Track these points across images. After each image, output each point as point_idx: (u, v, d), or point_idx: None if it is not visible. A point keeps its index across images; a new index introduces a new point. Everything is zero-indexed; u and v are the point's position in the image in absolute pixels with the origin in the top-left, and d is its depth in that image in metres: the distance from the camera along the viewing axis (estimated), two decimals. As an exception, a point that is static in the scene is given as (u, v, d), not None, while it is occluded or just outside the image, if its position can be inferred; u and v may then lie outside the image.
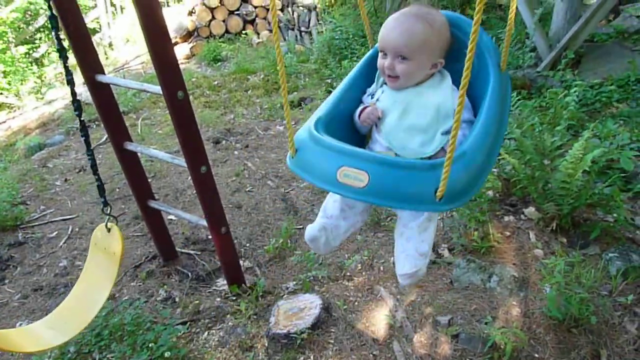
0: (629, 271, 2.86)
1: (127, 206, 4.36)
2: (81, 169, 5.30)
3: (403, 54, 1.67)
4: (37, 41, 11.45)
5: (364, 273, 3.19)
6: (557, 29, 5.57)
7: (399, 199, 1.41)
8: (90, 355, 2.74)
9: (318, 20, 9.25)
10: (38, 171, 5.36)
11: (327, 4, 9.16)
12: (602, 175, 3.44)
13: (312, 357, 2.61)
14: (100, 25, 11.15)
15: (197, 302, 3.09)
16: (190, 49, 9.97)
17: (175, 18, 10.07)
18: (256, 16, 10.43)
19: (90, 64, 2.65)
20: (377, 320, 2.81)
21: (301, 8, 9.82)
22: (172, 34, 8.83)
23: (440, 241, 3.36)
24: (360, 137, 1.83)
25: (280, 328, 2.72)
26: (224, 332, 2.84)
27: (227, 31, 10.35)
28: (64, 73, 2.40)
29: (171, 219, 3.97)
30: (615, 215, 3.20)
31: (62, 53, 2.36)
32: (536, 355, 2.49)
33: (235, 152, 5.24)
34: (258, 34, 10.29)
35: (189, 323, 2.94)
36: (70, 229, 4.12)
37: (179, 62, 2.45)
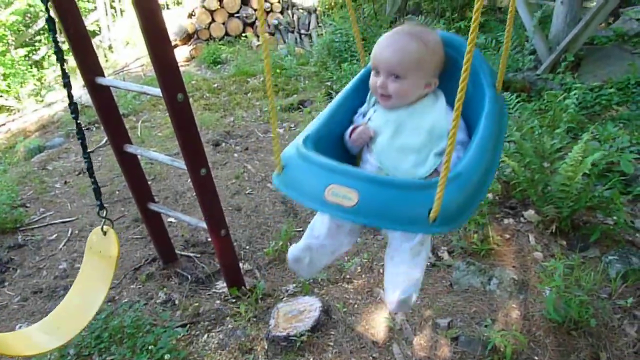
0: (629, 274, 2.86)
1: (126, 209, 4.36)
2: (81, 172, 5.29)
3: (396, 73, 1.63)
4: (36, 44, 11.45)
5: (363, 276, 3.19)
6: (556, 32, 5.58)
7: (390, 220, 1.35)
8: (90, 358, 2.74)
9: (318, 23, 9.26)
10: (38, 174, 5.35)
11: (327, 6, 9.18)
12: (602, 178, 3.44)
13: (311, 359, 2.60)
14: (100, 28, 11.16)
15: (197, 304, 3.09)
16: (190, 51, 9.98)
17: (175, 21, 10.08)
18: (256, 19, 10.43)
19: (90, 67, 2.65)
20: (377, 323, 2.81)
21: (301, 11, 9.83)
22: (172, 37, 8.82)
23: (440, 244, 3.36)
24: (350, 158, 1.78)
25: (279, 330, 2.71)
26: (224, 335, 2.84)
27: (226, 34, 10.37)
28: (68, 75, 2.40)
29: (171, 222, 3.96)
30: (615, 217, 3.21)
31: (59, 55, 2.35)
32: (536, 358, 2.49)
33: (235, 155, 5.24)
34: (258, 36, 10.30)
35: (188, 325, 2.93)
36: (69, 232, 4.11)
37: (179, 64, 2.45)
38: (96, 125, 6.50)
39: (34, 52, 11.21)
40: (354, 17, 2.02)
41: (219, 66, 8.94)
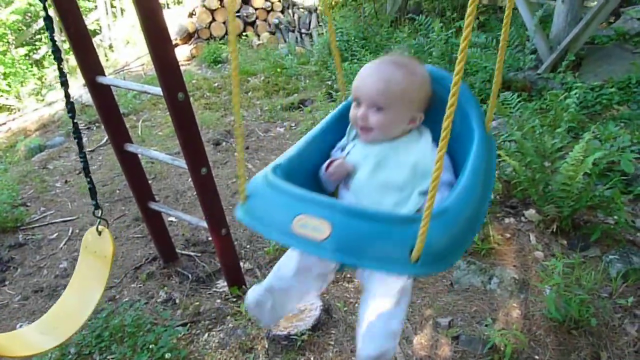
0: (629, 273, 2.86)
1: (127, 208, 4.36)
2: (81, 171, 5.29)
3: (379, 104, 1.52)
4: (37, 43, 11.45)
5: (364, 275, 3.19)
6: (557, 31, 5.58)
7: (366, 257, 1.20)
8: (91, 357, 2.74)
9: (318, 22, 9.26)
10: (38, 173, 5.35)
11: (327, 5, 9.17)
12: (603, 178, 3.44)
13: (312, 358, 2.60)
14: (100, 27, 11.16)
15: (198, 303, 3.09)
16: (191, 50, 9.98)
17: (175, 20, 10.07)
18: (256, 18, 10.43)
19: (91, 66, 2.65)
20: (378, 322, 2.80)
21: (302, 10, 9.83)
22: (172, 36, 8.83)
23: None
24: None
25: (280, 330, 2.71)
26: (225, 334, 2.84)
27: (227, 33, 10.36)
28: (65, 74, 2.40)
29: (171, 221, 3.97)
30: (615, 217, 3.21)
31: (56, 55, 2.35)
32: (536, 357, 2.49)
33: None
34: (258, 35, 10.30)
35: (189, 324, 2.94)
36: (70, 231, 4.11)
37: (179, 63, 2.45)
38: (97, 124, 6.50)
39: (35, 51, 11.21)
40: (333, 35, 1.87)
41: (220, 65, 8.94)
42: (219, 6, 10.13)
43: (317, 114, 5.88)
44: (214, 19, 10.20)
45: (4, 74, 9.68)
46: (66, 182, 5.10)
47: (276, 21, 10.28)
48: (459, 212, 1.31)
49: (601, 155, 3.20)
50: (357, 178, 1.55)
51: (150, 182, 3.52)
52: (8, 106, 9.20)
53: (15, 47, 10.68)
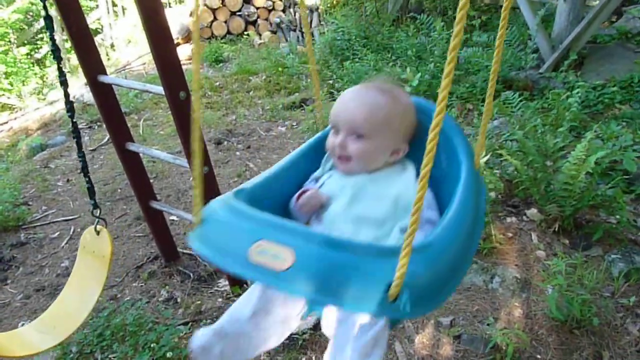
0: (632, 273, 2.86)
1: (128, 207, 4.36)
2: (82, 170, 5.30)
3: (359, 131, 1.39)
4: (38, 42, 11.46)
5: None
6: (559, 31, 5.57)
7: (333, 293, 1.02)
8: (92, 356, 2.74)
9: (320, 21, 9.26)
10: (40, 172, 5.36)
11: (329, 4, 9.17)
12: (605, 177, 3.44)
13: (314, 357, 2.60)
14: (102, 26, 11.17)
15: (199, 302, 3.09)
16: (192, 49, 9.97)
17: (176, 19, 10.07)
18: (258, 17, 10.44)
19: (93, 65, 2.65)
20: (379, 321, 2.80)
21: (303, 9, 9.82)
22: (173, 35, 8.84)
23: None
24: None
25: (282, 329, 2.71)
26: (226, 333, 2.84)
27: (228, 32, 10.36)
28: (65, 73, 2.40)
29: (173, 220, 3.96)
30: (618, 216, 3.20)
31: (55, 54, 2.36)
32: (538, 357, 2.49)
33: (237, 153, 5.24)
34: (260, 34, 10.30)
35: (190, 323, 2.93)
36: (72, 230, 4.11)
37: (181, 62, 2.45)
38: (98, 123, 6.50)
39: (36, 51, 11.22)
40: (311, 53, 1.71)
41: (221, 64, 8.93)
42: (221, 5, 10.14)
43: (318, 113, 5.87)
44: (215, 18, 10.21)
45: (6, 73, 9.70)
46: (68, 181, 5.10)
47: (277, 20, 10.28)
48: (444, 248, 1.16)
49: (603, 154, 3.19)
50: (331, 210, 1.39)
51: (151, 181, 3.52)
52: (10, 105, 9.21)
53: (17, 46, 10.69)
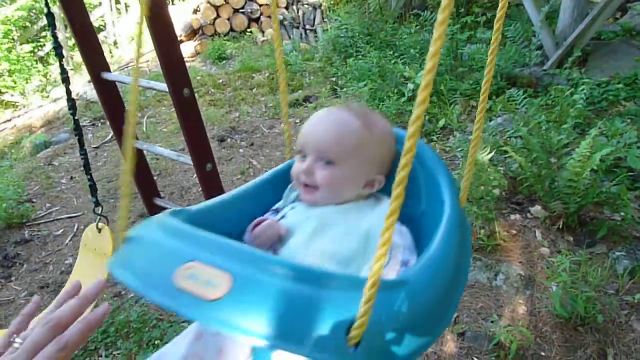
0: (636, 270, 2.85)
1: (132, 204, 4.37)
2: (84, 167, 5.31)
3: (328, 156, 1.22)
4: (42, 39, 11.46)
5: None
6: (563, 27, 5.55)
7: (275, 332, 0.78)
8: (97, 352, 2.75)
9: (323, 18, 9.24)
10: (44, 169, 5.37)
11: (332, 1, 9.15)
12: (609, 174, 3.43)
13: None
14: (105, 24, 11.17)
15: (203, 299, 3.09)
16: (195, 47, 9.97)
17: (180, 16, 10.07)
18: (261, 14, 10.42)
19: (96, 62, 2.65)
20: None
21: (306, 6, 9.81)
22: (177, 32, 8.83)
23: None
24: None
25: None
26: (230, 330, 2.84)
27: (231, 29, 10.35)
28: (68, 70, 2.41)
29: (176, 217, 3.96)
30: (622, 214, 3.19)
31: (57, 51, 2.36)
32: (542, 354, 2.49)
33: (241, 150, 5.24)
34: (263, 32, 10.28)
35: (194, 321, 2.93)
36: (76, 227, 4.12)
37: (184, 60, 2.45)
38: (101, 120, 6.51)
39: (40, 48, 11.22)
40: (282, 68, 1.48)
41: (224, 62, 8.93)
42: (224, 2, 10.12)
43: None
44: (218, 16, 10.19)
45: (9, 70, 9.71)
46: (71, 178, 5.11)
47: (280, 17, 10.27)
48: (423, 288, 0.96)
49: (608, 151, 3.18)
50: (291, 244, 1.18)
51: (155, 178, 3.52)
52: (13, 103, 9.22)
53: (20, 44, 10.69)
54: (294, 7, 10.27)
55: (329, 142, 1.22)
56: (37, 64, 10.53)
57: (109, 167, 5.19)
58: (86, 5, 2.60)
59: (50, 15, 2.30)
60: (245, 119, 6.11)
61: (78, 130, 2.52)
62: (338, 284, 0.85)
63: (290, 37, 9.96)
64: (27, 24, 11.34)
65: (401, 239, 1.16)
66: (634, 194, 3.42)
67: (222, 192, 2.78)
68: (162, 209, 3.19)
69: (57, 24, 2.45)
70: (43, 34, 11.43)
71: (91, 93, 6.93)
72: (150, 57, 9.49)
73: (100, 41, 2.79)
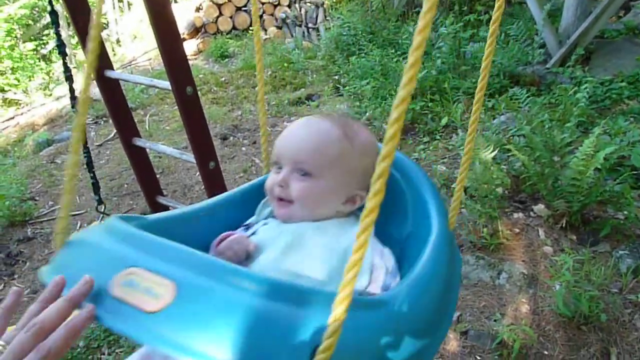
0: (640, 269, 2.85)
1: (135, 202, 4.37)
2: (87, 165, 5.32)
3: (305, 167, 1.11)
4: (44, 37, 11.48)
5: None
6: (567, 25, 5.54)
7: (226, 354, 0.67)
8: (99, 350, 2.75)
9: (325, 17, 9.23)
10: (46, 167, 5.37)
11: (334, 0, 9.14)
12: (613, 172, 3.42)
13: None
14: (107, 22, 11.18)
15: (206, 297, 3.09)
16: (198, 45, 9.97)
17: (182, 14, 10.07)
18: (264, 12, 10.41)
19: (100, 60, 2.65)
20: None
21: (308, 4, 9.80)
22: (180, 30, 8.82)
23: (448, 238, 3.35)
24: None
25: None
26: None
27: (234, 27, 10.35)
28: (71, 69, 2.41)
29: (179, 215, 3.96)
30: (625, 212, 3.18)
31: (61, 49, 2.36)
32: (545, 353, 2.48)
33: (243, 149, 5.24)
34: (265, 30, 10.28)
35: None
36: (78, 225, 4.13)
37: (187, 58, 2.45)
38: (104, 118, 6.51)
39: (42, 46, 11.24)
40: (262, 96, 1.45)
41: (227, 60, 8.93)
42: (226, 0, 10.12)
43: (324, 108, 5.88)
44: (221, 14, 10.19)
45: (12, 68, 9.73)
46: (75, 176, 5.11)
47: (283, 15, 10.26)
48: (407, 309, 0.85)
49: (613, 149, 3.17)
50: (260, 261, 1.06)
51: (157, 176, 3.53)
52: (16, 100, 9.24)
53: (23, 42, 10.71)
54: (297, 5, 10.26)
55: (306, 152, 1.12)
56: (39, 61, 10.55)
57: (111, 165, 5.19)
58: (89, 3, 2.60)
59: (53, 13, 2.30)
60: (247, 117, 6.11)
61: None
62: (303, 299, 0.74)
63: (292, 36, 9.95)
64: (30, 22, 11.36)
65: (382, 261, 1.08)
66: (637, 193, 3.41)
67: (224, 190, 2.78)
68: (165, 207, 3.20)
69: (60, 22, 2.46)
70: (46, 32, 11.45)
71: (94, 91, 6.92)
72: (152, 54, 9.49)
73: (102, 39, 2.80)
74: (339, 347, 0.66)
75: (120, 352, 2.70)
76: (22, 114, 8.26)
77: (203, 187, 3.08)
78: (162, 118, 6.47)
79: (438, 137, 4.62)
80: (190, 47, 9.85)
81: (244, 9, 10.37)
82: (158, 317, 0.71)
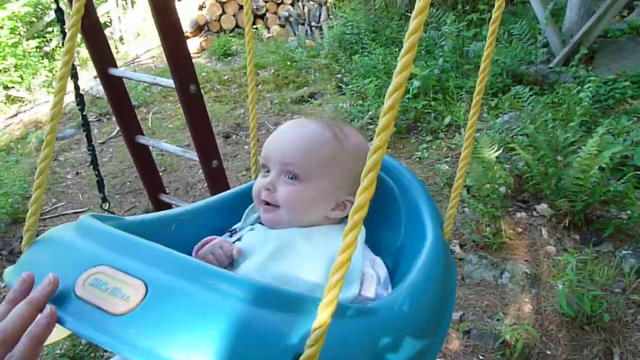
0: (643, 269, 2.84)
1: (137, 200, 4.38)
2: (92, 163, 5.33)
3: (293, 170, 1.07)
4: (47, 35, 11.48)
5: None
6: (570, 25, 5.53)
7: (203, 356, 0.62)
8: (102, 348, 2.75)
9: (328, 15, 9.23)
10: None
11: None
12: (616, 172, 3.41)
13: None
14: (110, 20, 11.18)
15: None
16: (201, 43, 9.97)
17: (186, 12, 10.07)
18: (266, 11, 10.40)
19: (103, 58, 2.65)
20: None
21: (311, 2, 9.80)
22: (184, 28, 8.81)
23: (452, 237, 3.34)
24: None
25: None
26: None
27: (237, 26, 10.34)
28: (75, 66, 2.41)
29: (182, 213, 3.97)
30: (629, 212, 3.18)
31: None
32: (548, 352, 2.48)
33: (246, 147, 5.24)
34: (268, 28, 10.27)
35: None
36: (81, 222, 4.14)
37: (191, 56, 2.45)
38: (107, 116, 6.52)
39: (46, 43, 11.24)
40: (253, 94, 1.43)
41: (230, 58, 8.93)
42: (229, -2, 10.12)
43: (326, 107, 5.87)
44: (224, 12, 10.19)
45: (16, 65, 9.74)
46: (77, 173, 5.12)
47: (286, 14, 10.26)
48: (398, 319, 0.82)
49: (618, 149, 3.17)
50: (244, 267, 1.02)
51: (160, 174, 3.53)
52: (19, 98, 9.25)
53: (27, 39, 10.72)
54: (300, 3, 10.26)
55: (294, 154, 1.08)
56: (43, 59, 10.56)
57: (114, 162, 5.20)
58: (93, 1, 2.61)
59: (59, 11, 2.30)
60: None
61: (86, 125, 2.53)
62: (286, 304, 0.69)
63: (295, 34, 9.94)
64: (34, 19, 11.37)
65: (374, 270, 1.05)
66: (640, 193, 3.41)
67: (227, 188, 2.78)
68: (168, 204, 3.20)
69: (65, 19, 2.45)
70: (49, 29, 11.45)
71: (97, 89, 6.94)
72: (156, 52, 9.50)
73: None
74: (323, 356, 0.62)
75: (123, 349, 2.70)
76: (25, 111, 8.28)
77: (206, 185, 3.08)
78: (165, 116, 6.48)
79: (441, 136, 4.61)
80: (193, 45, 9.85)
81: (247, 7, 10.35)
82: (124, 319, 0.66)
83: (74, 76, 2.43)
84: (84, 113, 2.51)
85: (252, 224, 1.18)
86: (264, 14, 10.44)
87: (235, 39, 9.66)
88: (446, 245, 1.12)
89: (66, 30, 2.32)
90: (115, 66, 2.72)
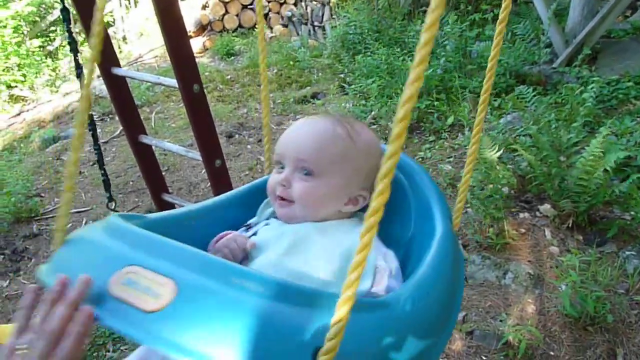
0: (646, 269, 2.83)
1: (140, 199, 4.38)
2: (95, 162, 5.32)
3: (308, 166, 1.11)
4: (51, 34, 11.51)
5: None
6: (573, 25, 5.51)
7: (226, 356, 0.67)
8: (104, 347, 2.76)
9: (331, 15, 9.22)
10: (52, 163, 5.39)
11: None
12: (619, 173, 3.40)
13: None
14: (114, 19, 11.19)
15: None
16: (204, 42, 9.98)
17: (189, 12, 10.08)
18: (269, 11, 10.41)
19: (107, 57, 2.65)
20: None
21: (314, 2, 9.80)
22: (187, 28, 8.80)
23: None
24: None
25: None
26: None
27: (240, 25, 10.35)
28: (81, 65, 2.41)
29: (184, 213, 3.97)
30: (632, 213, 3.17)
31: (72, 46, 2.37)
32: (551, 353, 2.48)
33: (249, 147, 5.24)
34: (271, 28, 10.28)
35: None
36: (84, 222, 4.14)
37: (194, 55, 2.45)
38: (110, 115, 6.53)
39: (49, 43, 11.26)
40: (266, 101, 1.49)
41: (233, 58, 8.93)
42: (232, -2, 10.13)
43: (329, 107, 5.87)
44: (227, 11, 10.20)
45: (19, 65, 9.76)
46: (80, 173, 5.12)
47: (289, 14, 10.26)
48: (410, 311, 0.85)
49: (624, 155, 3.16)
50: (259, 261, 1.05)
51: (163, 174, 3.53)
52: (23, 97, 9.27)
53: (30, 39, 10.74)
54: (302, 3, 10.26)
55: (308, 151, 1.12)
56: (46, 58, 10.58)
57: (117, 162, 5.20)
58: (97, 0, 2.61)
59: (65, 11, 2.31)
60: (253, 115, 6.11)
61: (92, 125, 2.53)
62: (306, 300, 0.74)
63: (298, 34, 9.95)
64: (37, 19, 11.39)
65: (386, 263, 1.07)
66: (644, 193, 3.40)
67: (230, 188, 2.78)
68: (171, 204, 3.20)
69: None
70: (52, 28, 11.48)
71: (100, 88, 6.95)
72: (159, 52, 9.51)
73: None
74: (342, 349, 0.66)
75: (125, 349, 2.70)
76: (28, 110, 8.29)
77: (209, 184, 3.08)
78: (167, 115, 6.48)
79: (444, 136, 4.61)
80: (196, 44, 9.86)
81: (250, 6, 10.37)
82: (157, 316, 0.71)
83: (80, 75, 2.44)
84: (90, 112, 2.51)
85: (267, 219, 1.22)
86: (267, 14, 10.45)
87: (238, 39, 9.67)
88: (455, 237, 1.15)
89: (72, 30, 2.34)
90: (119, 66, 2.72)
